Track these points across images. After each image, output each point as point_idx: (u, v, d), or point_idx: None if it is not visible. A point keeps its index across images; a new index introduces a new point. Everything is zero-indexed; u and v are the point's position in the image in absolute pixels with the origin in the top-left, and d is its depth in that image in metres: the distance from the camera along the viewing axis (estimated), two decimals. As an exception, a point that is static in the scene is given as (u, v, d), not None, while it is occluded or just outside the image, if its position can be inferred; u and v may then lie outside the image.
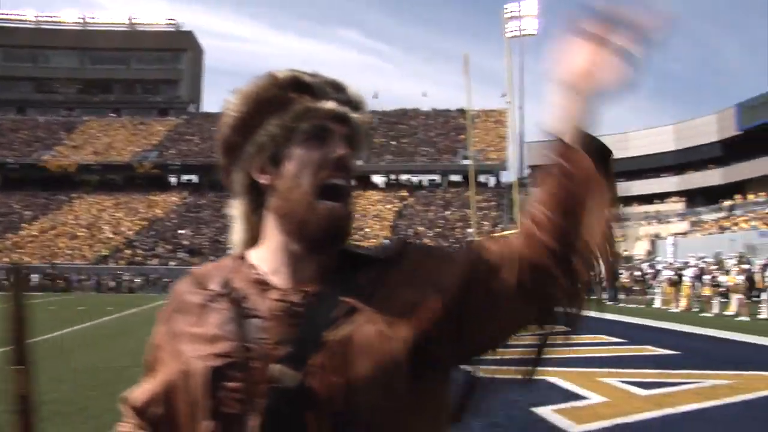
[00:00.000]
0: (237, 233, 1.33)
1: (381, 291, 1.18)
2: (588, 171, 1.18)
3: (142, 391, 1.25)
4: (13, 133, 68.86)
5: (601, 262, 1.21)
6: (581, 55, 1.17)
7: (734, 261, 29.06)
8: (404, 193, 58.86)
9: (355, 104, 1.29)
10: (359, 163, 1.34)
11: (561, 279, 1.18)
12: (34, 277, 43.59)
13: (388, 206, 56.60)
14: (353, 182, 1.26)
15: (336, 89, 1.27)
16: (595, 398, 8.31)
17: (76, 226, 55.50)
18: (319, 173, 1.20)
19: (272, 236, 1.25)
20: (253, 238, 1.29)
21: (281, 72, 1.27)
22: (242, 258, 1.28)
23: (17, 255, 49.26)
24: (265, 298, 1.19)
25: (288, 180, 1.22)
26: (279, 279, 1.22)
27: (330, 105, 1.24)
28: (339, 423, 1.09)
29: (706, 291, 24.58)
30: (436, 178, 61.93)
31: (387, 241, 1.34)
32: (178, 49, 77.51)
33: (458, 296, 1.18)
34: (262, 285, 1.21)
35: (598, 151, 1.21)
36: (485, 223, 49.08)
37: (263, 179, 1.24)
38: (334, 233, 1.20)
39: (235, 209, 1.31)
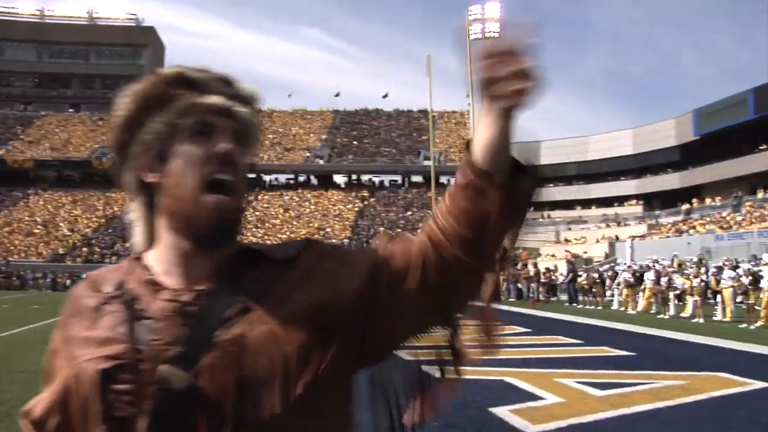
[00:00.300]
0: (137, 235, 1.30)
1: (277, 290, 1.17)
2: (497, 192, 1.18)
3: (39, 401, 1.22)
4: (-33, 127, 67.57)
5: (498, 271, 1.25)
6: (483, 75, 1.14)
7: (693, 264, 29.53)
8: (365, 194, 58.89)
9: (244, 99, 1.28)
10: (251, 159, 1.30)
11: (464, 283, 1.22)
12: (-13, 275, 42.84)
13: (349, 206, 56.57)
14: (242, 177, 1.23)
15: (224, 84, 1.26)
16: (551, 398, 8.36)
17: (32, 222, 54.62)
18: (203, 168, 1.18)
19: (164, 236, 1.23)
20: (151, 239, 1.27)
21: (168, 69, 1.27)
22: (139, 259, 1.26)
23: (-30, 252, 48.37)
24: (157, 299, 1.17)
25: (174, 177, 1.20)
26: (172, 279, 1.20)
27: (214, 99, 1.22)
28: (229, 424, 1.07)
29: (663, 293, 24.93)
30: (398, 178, 62.08)
31: (293, 240, 1.32)
32: (139, 44, 76.59)
33: (357, 298, 1.19)
34: (154, 285, 1.20)
35: (513, 168, 1.20)
36: (447, 224, 49.35)
37: (151, 178, 1.22)
38: (221, 227, 1.19)
39: (133, 210, 1.30)
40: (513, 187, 1.19)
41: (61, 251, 49.97)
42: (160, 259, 1.23)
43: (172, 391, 1.08)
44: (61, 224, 53.92)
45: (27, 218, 55.55)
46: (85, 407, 1.12)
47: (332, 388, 1.17)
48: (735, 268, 23.76)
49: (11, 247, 49.80)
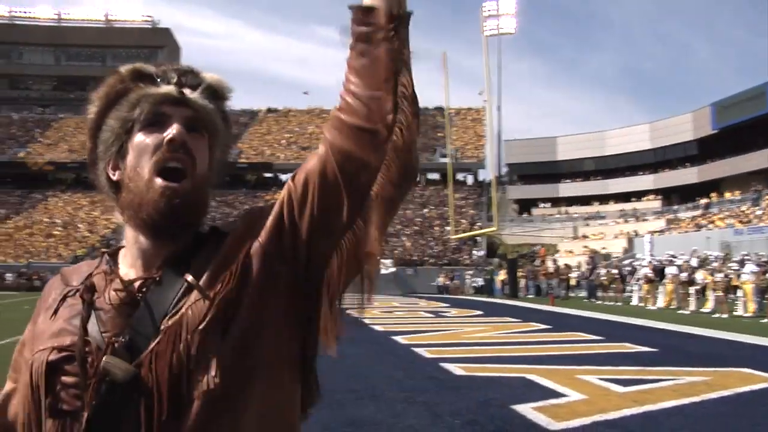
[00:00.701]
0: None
1: (212, 264, 1.15)
2: (382, 26, 1.14)
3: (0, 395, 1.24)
4: (-13, 130, 68.14)
5: (406, 115, 1.15)
6: None
7: (718, 259, 29.33)
8: (383, 192, 58.89)
9: (206, 88, 1.26)
10: (222, 149, 1.29)
11: (373, 153, 1.13)
12: (9, 276, 43.19)
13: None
14: (199, 164, 1.21)
15: (183, 74, 1.24)
16: (573, 395, 8.33)
17: (52, 224, 55.01)
18: (153, 157, 1.17)
19: (127, 230, 1.23)
20: None
21: (126, 66, 1.26)
22: (114, 255, 1.27)
23: (-9, 254, 48.79)
24: (109, 290, 1.17)
25: (129, 170, 1.19)
26: (132, 272, 1.20)
27: (165, 89, 1.21)
28: (168, 412, 1.05)
29: (683, 289, 24.76)
30: (415, 176, 62.05)
31: None
32: (155, 46, 76.89)
33: (270, 235, 1.16)
34: (110, 276, 1.20)
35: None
36: (463, 220, 49.18)
37: (115, 176, 1.22)
38: (171, 214, 1.16)
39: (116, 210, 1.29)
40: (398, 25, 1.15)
41: (80, 252, 50.30)
42: (126, 253, 1.23)
43: (113, 383, 1.06)
44: (79, 226, 54.31)
45: (46, 220, 55.98)
46: (36, 400, 1.12)
47: (271, 355, 1.13)
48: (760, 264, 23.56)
49: (32, 249, 50.22)
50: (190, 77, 1.24)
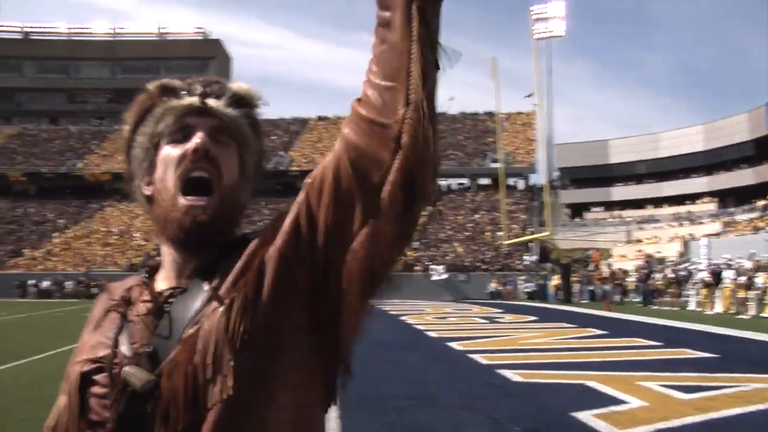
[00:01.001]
0: None
1: (234, 269, 1.13)
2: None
3: (53, 411, 1.23)
4: (47, 143, 69.79)
5: (424, 112, 1.04)
6: None
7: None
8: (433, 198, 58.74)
9: (228, 95, 1.24)
10: (254, 158, 1.27)
11: (386, 150, 1.05)
12: (69, 284, 44.16)
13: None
14: (226, 174, 1.20)
15: (206, 85, 1.24)
16: (634, 402, 8.25)
17: (108, 233, 56.11)
18: (179, 168, 1.18)
19: (161, 243, 1.24)
20: None
21: (153, 82, 1.27)
22: (156, 267, 1.28)
23: (52, 262, 49.95)
24: (141, 302, 1.19)
25: (158, 184, 1.20)
26: (165, 284, 1.20)
27: (188, 100, 1.21)
28: (184, 421, 1.05)
29: (742, 293, 24.22)
30: (465, 181, 61.74)
31: None
32: (206, 57, 78.11)
33: (292, 232, 1.11)
34: (144, 289, 1.21)
35: None
36: (515, 226, 48.82)
37: (147, 191, 1.24)
38: (196, 230, 1.16)
39: None
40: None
41: (135, 261, 51.19)
42: (162, 265, 1.25)
43: (134, 393, 1.07)
44: (135, 234, 55.23)
45: (103, 229, 57.10)
46: (74, 410, 1.14)
47: (293, 362, 1.10)
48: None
49: (90, 258, 51.27)
50: (215, 87, 1.24)
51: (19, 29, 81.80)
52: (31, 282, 44.65)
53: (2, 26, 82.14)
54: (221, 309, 1.08)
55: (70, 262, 50.24)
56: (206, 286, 1.13)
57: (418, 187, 1.05)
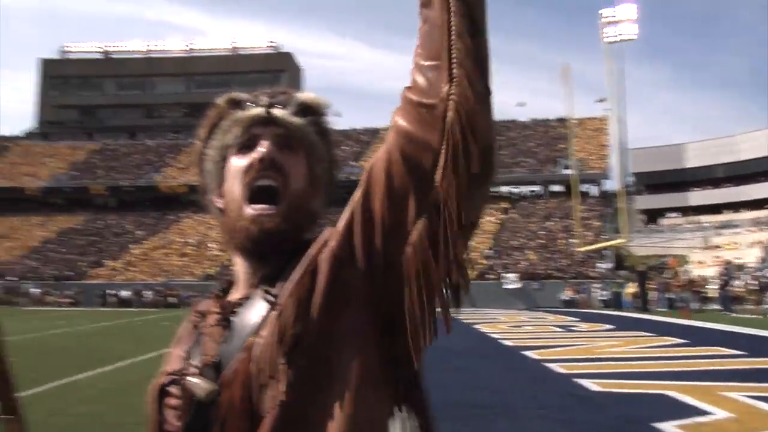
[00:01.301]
0: None
1: (293, 274, 1.12)
2: None
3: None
4: (126, 157, 72.10)
5: (462, 87, 0.99)
6: None
7: None
8: (506, 205, 58.27)
9: (293, 104, 1.24)
10: (324, 167, 1.26)
11: (433, 132, 1.00)
12: (147, 294, 45.38)
13: (490, 219, 56.18)
14: (293, 183, 1.19)
15: (272, 96, 1.24)
16: (720, 414, 8.00)
17: (185, 244, 57.40)
18: (245, 178, 1.18)
19: (233, 256, 1.25)
20: None
21: (222, 96, 1.29)
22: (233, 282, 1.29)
23: (131, 273, 51.42)
24: (212, 314, 1.20)
25: (227, 195, 1.21)
26: (237, 295, 1.21)
27: (253, 110, 1.22)
28: (245, 431, 1.05)
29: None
30: (537, 188, 61.09)
31: None
32: (277, 70, 79.42)
33: (346, 232, 1.09)
34: (215, 301, 1.23)
35: None
36: (588, 233, 48.03)
37: (219, 203, 1.25)
38: (262, 238, 1.16)
39: None
40: None
41: (210, 271, 52.24)
42: (236, 277, 1.25)
43: (198, 404, 1.09)
44: (211, 245, 56.34)
45: (180, 240, 58.47)
46: (154, 422, 1.18)
47: (350, 370, 1.05)
48: None
49: (167, 268, 52.57)
50: (281, 97, 1.24)
51: (101, 50, 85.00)
52: (111, 291, 46.08)
53: (85, 48, 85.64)
54: (275, 315, 1.08)
55: (149, 272, 51.64)
56: (264, 294, 1.13)
57: (469, 170, 0.99)
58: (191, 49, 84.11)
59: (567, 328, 22.40)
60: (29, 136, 79.85)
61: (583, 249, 44.21)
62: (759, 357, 13.40)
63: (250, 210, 1.16)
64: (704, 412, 8.09)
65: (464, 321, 23.93)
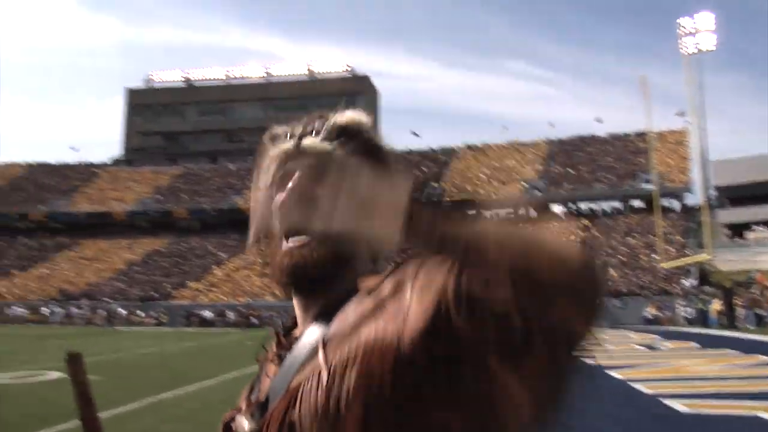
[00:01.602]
0: None
1: (342, 324, 1.02)
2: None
3: None
4: (208, 181, 73.98)
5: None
6: None
7: None
8: (586, 222, 57.37)
9: (328, 129, 1.17)
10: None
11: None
12: (230, 314, 46.32)
13: (570, 237, 55.57)
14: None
15: (306, 125, 1.19)
16: (812, 434, 7.78)
17: (265, 265, 58.28)
18: (279, 215, 1.15)
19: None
20: None
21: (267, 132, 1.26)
22: None
23: (214, 293, 52.60)
24: (271, 350, 1.20)
25: (271, 236, 1.20)
26: (297, 331, 1.17)
27: (284, 146, 1.19)
28: None
29: None
30: (617, 204, 59.94)
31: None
32: (354, 93, 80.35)
33: (422, 336, 0.86)
34: (276, 337, 1.21)
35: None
36: (671, 249, 46.86)
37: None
38: (295, 272, 1.13)
39: None
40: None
41: (293, 291, 52.93)
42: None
43: None
44: (291, 266, 57.22)
45: (260, 261, 59.48)
46: None
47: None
48: None
49: (248, 289, 53.48)
50: (316, 124, 1.18)
51: (183, 79, 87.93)
52: (194, 312, 47.23)
53: (168, 77, 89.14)
54: (324, 377, 0.96)
55: (230, 293, 52.65)
56: (315, 333, 1.06)
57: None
58: (269, 74, 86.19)
59: (651, 347, 21.86)
60: (116, 162, 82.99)
61: (666, 265, 43.11)
62: None
63: (286, 244, 1.14)
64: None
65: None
